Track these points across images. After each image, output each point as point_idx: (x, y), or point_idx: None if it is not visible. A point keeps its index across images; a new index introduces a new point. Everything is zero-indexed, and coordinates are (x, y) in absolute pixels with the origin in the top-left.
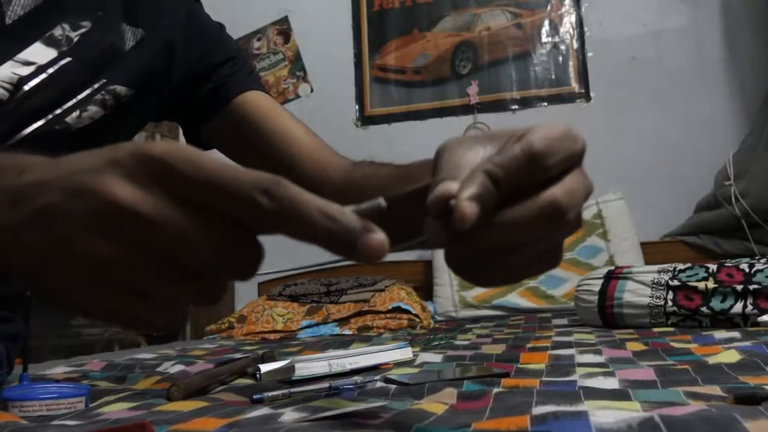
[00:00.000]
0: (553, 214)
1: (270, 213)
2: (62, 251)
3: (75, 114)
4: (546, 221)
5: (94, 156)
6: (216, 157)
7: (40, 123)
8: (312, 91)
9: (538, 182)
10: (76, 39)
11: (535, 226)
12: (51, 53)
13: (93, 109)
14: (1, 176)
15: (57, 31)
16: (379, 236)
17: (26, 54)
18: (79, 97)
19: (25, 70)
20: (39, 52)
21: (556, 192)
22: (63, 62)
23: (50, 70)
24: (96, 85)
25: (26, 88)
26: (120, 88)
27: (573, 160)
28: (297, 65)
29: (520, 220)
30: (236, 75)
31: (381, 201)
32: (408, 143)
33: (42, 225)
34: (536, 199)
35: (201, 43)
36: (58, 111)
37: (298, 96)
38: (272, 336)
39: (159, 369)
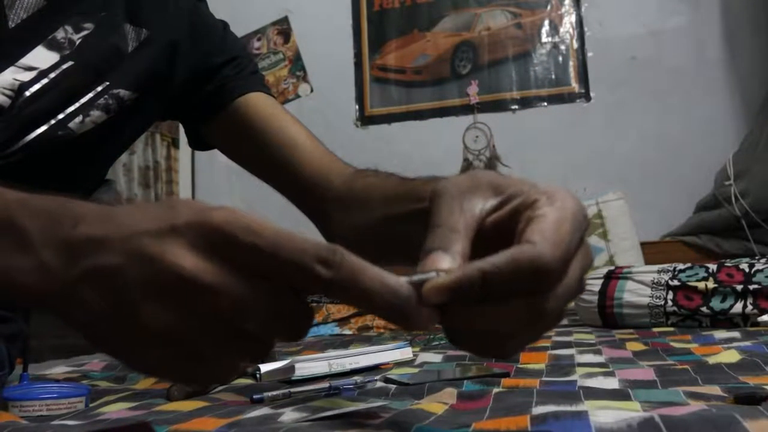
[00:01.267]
0: (537, 317)
1: (328, 282)
2: (119, 312)
3: (78, 119)
4: (528, 322)
5: (151, 217)
6: (273, 225)
7: (43, 129)
8: (312, 91)
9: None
10: (78, 42)
11: (514, 323)
12: (53, 57)
13: (96, 114)
14: (57, 226)
15: (59, 34)
16: (431, 309)
17: (28, 59)
18: (82, 101)
19: (27, 76)
20: (41, 57)
21: (548, 303)
22: (65, 66)
23: (52, 75)
24: (99, 89)
25: (27, 93)
26: (123, 92)
27: (578, 248)
28: (297, 65)
29: (500, 317)
30: (238, 76)
31: (433, 274)
32: (408, 143)
33: (99, 285)
34: (523, 303)
35: (204, 43)
36: (60, 116)
37: (298, 96)
38: None
39: None
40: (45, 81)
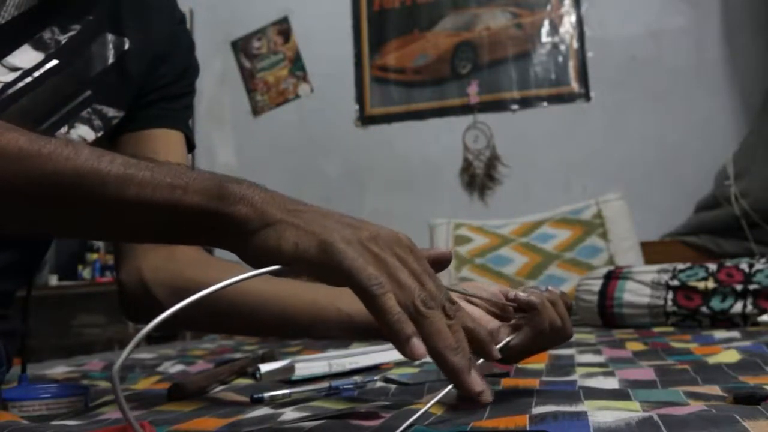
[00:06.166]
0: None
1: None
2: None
3: (63, 130)
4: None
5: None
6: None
7: None
8: (312, 91)
9: None
10: (64, 42)
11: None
12: (38, 57)
13: (82, 129)
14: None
15: (46, 34)
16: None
17: (14, 57)
18: (65, 110)
19: (10, 76)
20: (26, 56)
21: None
22: (49, 65)
23: (36, 74)
24: (80, 98)
25: (10, 91)
26: (107, 109)
27: None
28: (297, 65)
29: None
30: (168, 106)
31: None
32: (408, 143)
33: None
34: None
35: (169, 72)
36: (45, 125)
37: (298, 96)
38: None
39: (159, 369)
40: (28, 80)
